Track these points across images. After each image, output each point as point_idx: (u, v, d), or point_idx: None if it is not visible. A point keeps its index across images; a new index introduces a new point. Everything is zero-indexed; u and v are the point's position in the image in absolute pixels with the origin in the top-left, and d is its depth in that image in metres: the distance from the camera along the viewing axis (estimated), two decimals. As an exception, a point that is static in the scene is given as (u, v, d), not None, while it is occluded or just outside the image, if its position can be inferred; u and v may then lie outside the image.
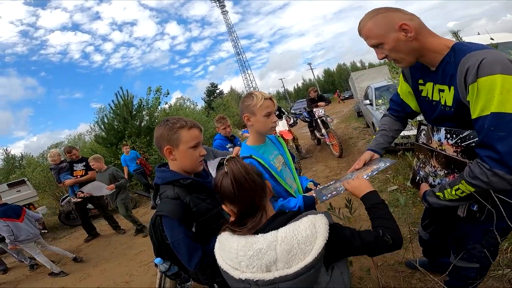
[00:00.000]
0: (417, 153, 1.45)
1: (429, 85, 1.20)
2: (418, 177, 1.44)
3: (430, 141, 1.31)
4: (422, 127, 1.40)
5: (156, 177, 1.31)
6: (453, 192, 1.07)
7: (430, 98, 1.21)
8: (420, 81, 1.26)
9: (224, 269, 0.83)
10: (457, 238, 1.38)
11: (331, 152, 6.44)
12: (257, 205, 0.86)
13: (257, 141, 1.55)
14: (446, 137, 1.18)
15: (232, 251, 0.79)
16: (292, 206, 1.40)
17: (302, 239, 0.74)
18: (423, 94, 1.27)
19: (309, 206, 1.40)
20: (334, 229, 0.83)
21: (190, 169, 1.31)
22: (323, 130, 6.50)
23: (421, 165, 1.40)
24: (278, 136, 1.75)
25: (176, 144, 1.23)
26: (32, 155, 15.91)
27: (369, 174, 1.28)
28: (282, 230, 0.77)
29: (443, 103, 1.13)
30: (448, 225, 1.52)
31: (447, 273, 1.37)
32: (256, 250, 0.74)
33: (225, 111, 24.68)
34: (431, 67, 1.13)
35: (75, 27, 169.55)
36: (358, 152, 6.24)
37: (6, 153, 14.93)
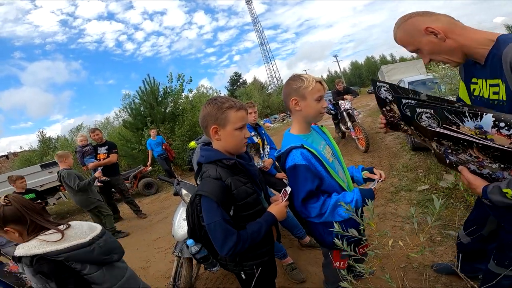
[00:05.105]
0: (435, 138, 1.19)
1: (481, 82, 1.13)
2: (448, 160, 1.22)
3: (453, 126, 1.06)
4: (419, 110, 1.12)
5: (199, 156, 1.31)
6: None
7: (483, 97, 1.13)
8: (474, 80, 1.19)
9: (74, 244, 1.31)
10: (504, 245, 1.31)
11: (357, 146, 6.18)
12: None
13: (304, 129, 1.44)
14: (496, 126, 0.95)
15: (78, 230, 1.38)
16: (349, 200, 1.30)
17: (86, 229, 1.41)
18: (475, 93, 1.19)
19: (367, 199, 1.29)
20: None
21: (234, 150, 1.30)
22: (349, 123, 6.24)
23: (450, 151, 1.18)
24: (322, 126, 1.64)
25: (223, 124, 1.22)
26: (65, 136, 16.69)
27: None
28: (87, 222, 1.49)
29: (499, 98, 1.04)
30: (496, 231, 1.45)
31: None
32: (87, 228, 1.41)
33: (247, 100, 24.70)
34: (480, 62, 1.08)
35: (110, 16, 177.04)
36: (385, 148, 5.94)
37: (42, 135, 15.78)
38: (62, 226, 1.39)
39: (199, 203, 1.23)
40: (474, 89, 1.20)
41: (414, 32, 1.11)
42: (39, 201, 4.25)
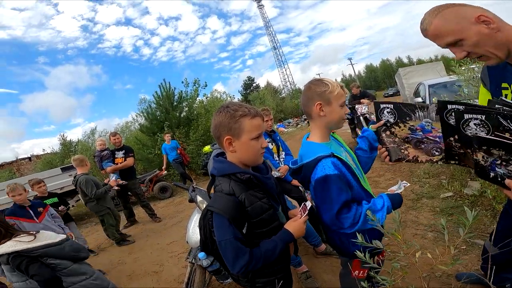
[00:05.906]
0: (484, 147, 1.09)
1: None
2: (493, 173, 1.11)
3: (506, 134, 0.98)
4: (467, 116, 1.04)
5: (212, 167, 1.21)
6: None
7: None
8: (504, 85, 1.09)
9: (46, 243, 1.65)
10: None
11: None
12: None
13: (325, 137, 1.35)
14: None
15: (48, 235, 1.74)
16: (380, 207, 1.22)
17: (54, 235, 1.78)
18: (508, 98, 1.09)
19: (396, 204, 1.23)
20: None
21: (250, 162, 1.19)
22: (366, 128, 6.09)
23: (499, 161, 1.07)
24: (333, 133, 1.55)
25: (238, 134, 1.11)
26: (80, 139, 17.17)
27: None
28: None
29: None
30: None
31: None
32: (55, 235, 1.76)
33: (261, 105, 24.65)
34: None
35: (128, 21, 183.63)
36: (404, 153, 5.74)
37: (63, 138, 16.33)
38: (32, 231, 1.73)
39: (210, 218, 1.16)
40: (506, 95, 1.11)
41: (460, 20, 0.99)
42: (62, 206, 4.06)
